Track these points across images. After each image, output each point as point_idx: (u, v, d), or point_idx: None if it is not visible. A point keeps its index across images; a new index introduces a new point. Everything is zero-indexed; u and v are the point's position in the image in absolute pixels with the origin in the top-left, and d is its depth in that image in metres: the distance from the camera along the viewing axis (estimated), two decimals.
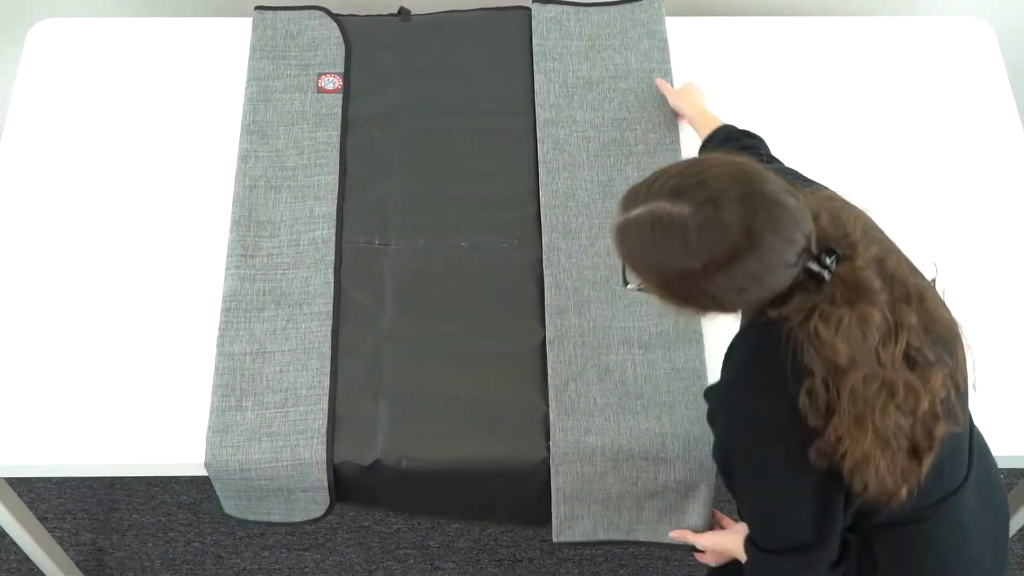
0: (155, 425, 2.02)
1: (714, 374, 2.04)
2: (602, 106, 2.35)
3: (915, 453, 1.51)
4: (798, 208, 1.45)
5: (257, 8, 2.46)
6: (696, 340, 2.06)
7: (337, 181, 2.25)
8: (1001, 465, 2.02)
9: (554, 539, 2.04)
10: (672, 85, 2.37)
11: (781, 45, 2.52)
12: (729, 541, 1.90)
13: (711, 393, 1.64)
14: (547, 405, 2.02)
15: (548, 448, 1.98)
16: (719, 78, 2.45)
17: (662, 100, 2.36)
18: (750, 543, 1.72)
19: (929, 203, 2.29)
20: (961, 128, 2.40)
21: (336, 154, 2.28)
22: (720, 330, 2.05)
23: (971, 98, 2.44)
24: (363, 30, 2.45)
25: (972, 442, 1.68)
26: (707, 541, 1.98)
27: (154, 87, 2.42)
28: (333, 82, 2.37)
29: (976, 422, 2.03)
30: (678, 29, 2.52)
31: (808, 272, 1.46)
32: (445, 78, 2.39)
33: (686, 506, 2.00)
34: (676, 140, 2.30)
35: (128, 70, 2.45)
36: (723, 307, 1.51)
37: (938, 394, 1.50)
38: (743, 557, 1.79)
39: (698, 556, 2.03)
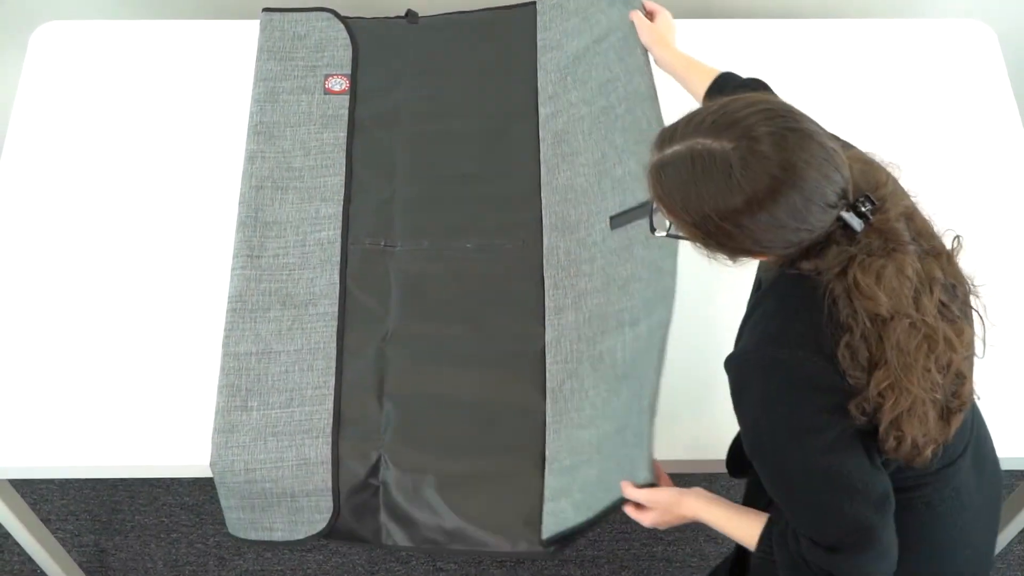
0: (160, 426, 2.02)
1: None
2: (589, 76, 2.31)
3: (945, 413, 1.51)
4: (836, 151, 1.44)
5: (265, 10, 2.47)
6: (668, 297, 1.95)
7: (343, 182, 2.25)
8: (1001, 467, 2.03)
9: (543, 535, 1.93)
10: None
11: (781, 47, 2.53)
12: (675, 496, 1.76)
13: (734, 360, 1.57)
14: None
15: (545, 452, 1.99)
16: None
17: (633, 38, 2.26)
18: (798, 540, 1.59)
19: (931, 205, 2.29)
20: (962, 130, 2.41)
21: (342, 155, 2.28)
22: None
23: (972, 100, 2.45)
24: (370, 32, 2.45)
25: (972, 413, 1.68)
26: (660, 496, 1.77)
27: (159, 89, 2.42)
28: (340, 83, 2.38)
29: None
30: (678, 31, 2.53)
31: (842, 224, 1.45)
32: (452, 80, 2.40)
33: (634, 456, 1.89)
34: (650, 84, 2.20)
35: (132, 72, 2.45)
36: (759, 248, 1.46)
37: (966, 352, 1.50)
38: (689, 515, 1.73)
39: (635, 513, 1.82)
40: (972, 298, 1.57)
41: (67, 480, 2.84)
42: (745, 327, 1.62)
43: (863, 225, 1.46)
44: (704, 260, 1.54)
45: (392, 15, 2.50)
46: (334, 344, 2.08)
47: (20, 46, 2.70)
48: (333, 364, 2.06)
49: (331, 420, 2.00)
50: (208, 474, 1.99)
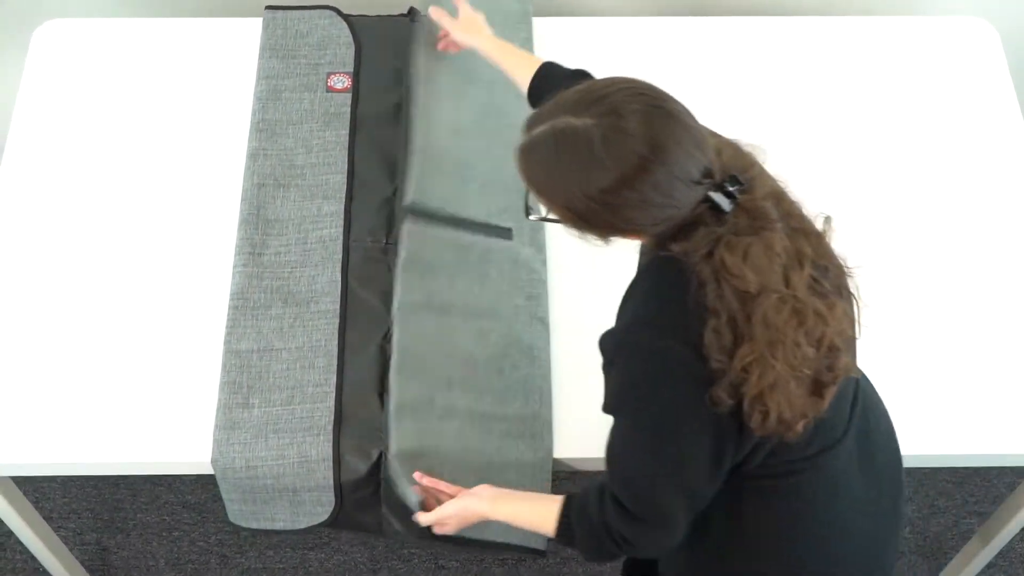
0: (161, 423, 2.02)
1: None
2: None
3: (817, 387, 1.51)
4: (699, 130, 1.46)
5: (268, 7, 2.47)
6: None
7: (345, 180, 2.25)
8: (1002, 464, 2.03)
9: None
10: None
11: (782, 45, 2.53)
12: (459, 506, 1.78)
13: (609, 338, 1.58)
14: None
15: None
16: (720, 79, 2.46)
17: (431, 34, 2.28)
18: (610, 508, 1.60)
19: (932, 204, 2.30)
20: (964, 129, 2.41)
21: (344, 153, 2.29)
22: None
23: (974, 98, 2.45)
24: (373, 30, 2.45)
25: (857, 397, 1.66)
26: (444, 513, 1.80)
27: (161, 87, 2.43)
28: (342, 81, 2.38)
29: (975, 422, 2.04)
30: (678, 30, 2.53)
31: (711, 205, 1.46)
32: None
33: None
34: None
35: (134, 70, 2.45)
36: (628, 226, 1.47)
37: (839, 327, 1.51)
38: (485, 514, 1.75)
39: (436, 527, 1.85)
40: (848, 279, 1.57)
41: (69, 478, 2.85)
42: (626, 307, 1.62)
43: (731, 205, 1.46)
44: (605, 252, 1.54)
45: (395, 13, 2.50)
46: (335, 342, 2.08)
47: (22, 44, 2.71)
48: (334, 362, 2.06)
49: (332, 418, 2.00)
50: (210, 471, 2.00)
